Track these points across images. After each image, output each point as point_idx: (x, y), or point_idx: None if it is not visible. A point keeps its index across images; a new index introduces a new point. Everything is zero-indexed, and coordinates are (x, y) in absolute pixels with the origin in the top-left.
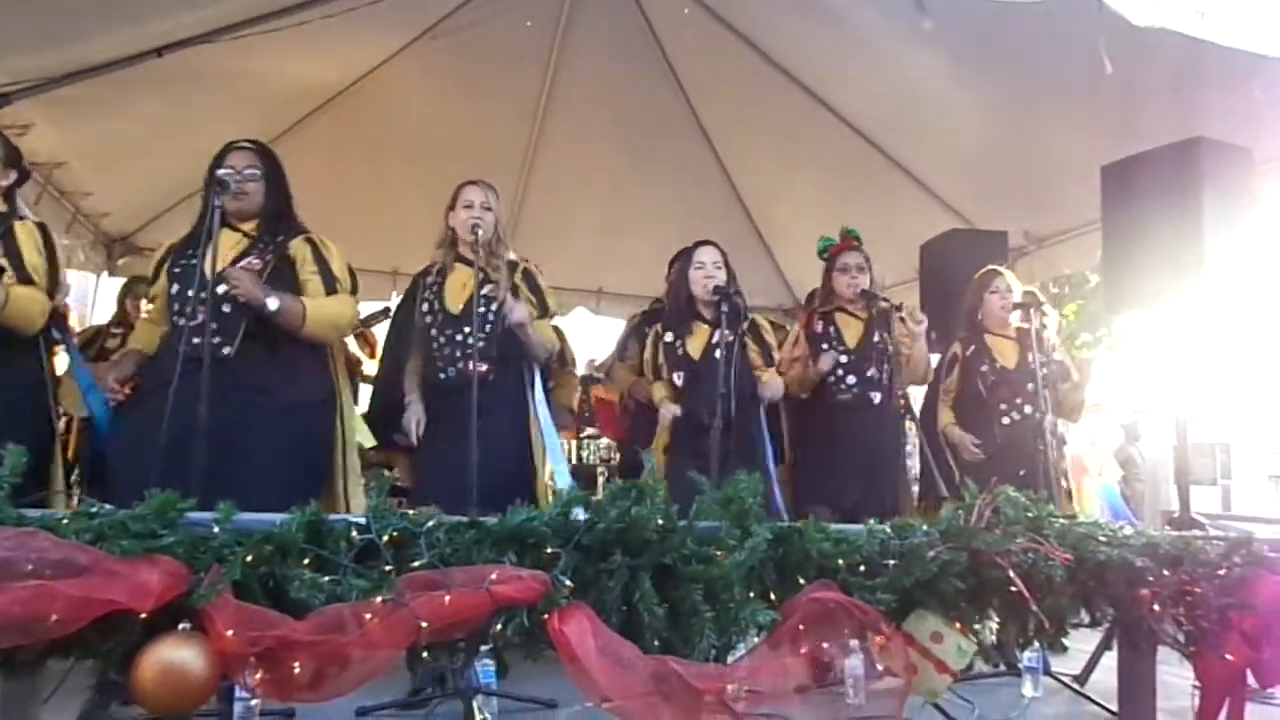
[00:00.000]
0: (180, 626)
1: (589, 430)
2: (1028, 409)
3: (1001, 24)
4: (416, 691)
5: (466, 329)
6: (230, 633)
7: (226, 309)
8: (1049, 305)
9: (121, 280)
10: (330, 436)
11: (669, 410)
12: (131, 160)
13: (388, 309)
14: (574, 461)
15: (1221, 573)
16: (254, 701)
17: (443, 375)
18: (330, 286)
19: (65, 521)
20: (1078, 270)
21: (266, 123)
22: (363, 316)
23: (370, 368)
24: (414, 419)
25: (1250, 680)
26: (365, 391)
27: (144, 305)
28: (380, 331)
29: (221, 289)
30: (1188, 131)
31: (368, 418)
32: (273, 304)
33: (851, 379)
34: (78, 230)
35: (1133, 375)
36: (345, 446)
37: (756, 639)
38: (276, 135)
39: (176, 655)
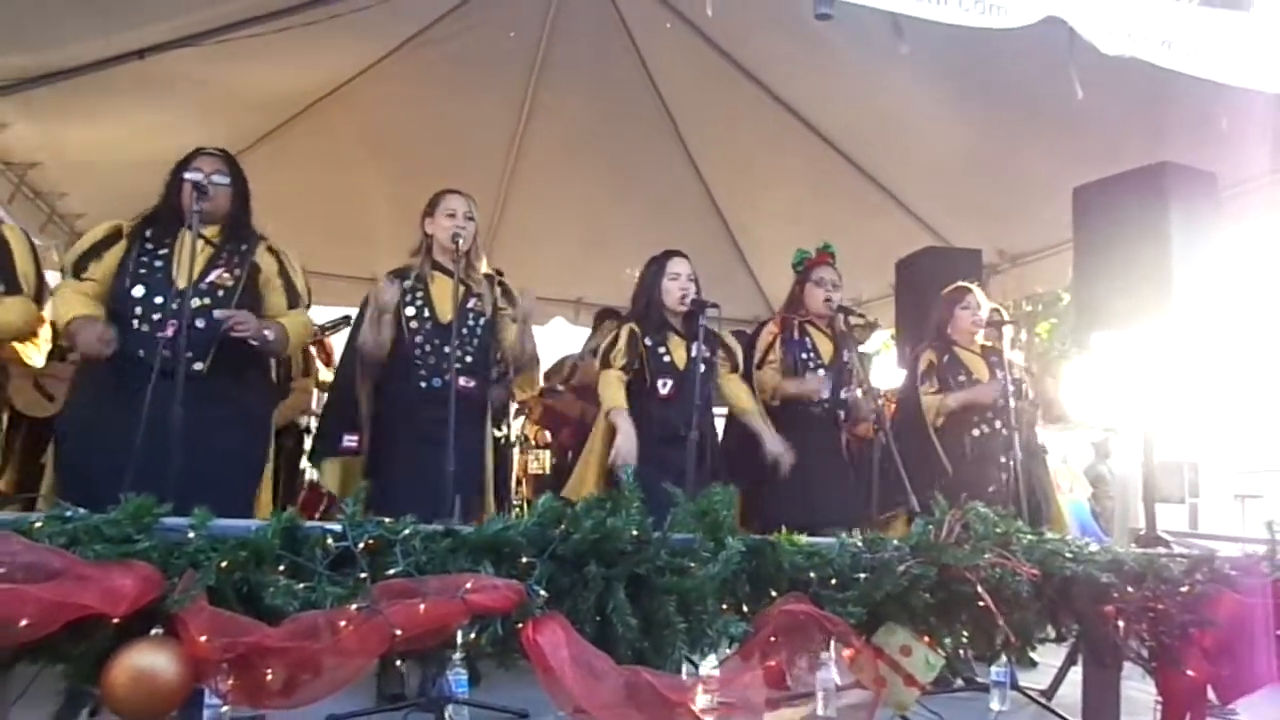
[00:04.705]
0: (153, 632)
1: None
2: (997, 424)
3: (977, 48)
4: (396, 696)
5: (456, 340)
6: (203, 638)
7: (200, 324)
8: (1010, 319)
9: None
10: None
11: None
12: (108, 163)
13: (348, 317)
14: (543, 471)
15: (1184, 589)
16: (224, 708)
17: (424, 384)
18: (293, 301)
19: (38, 525)
20: (1050, 288)
21: (246, 128)
22: (322, 324)
23: (326, 375)
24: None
25: (1211, 696)
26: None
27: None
28: (335, 340)
29: (195, 303)
30: (1157, 156)
31: (321, 420)
32: (270, 335)
33: (826, 393)
34: (52, 231)
35: (1104, 393)
36: None
37: (729, 650)
38: (256, 140)
39: (148, 661)
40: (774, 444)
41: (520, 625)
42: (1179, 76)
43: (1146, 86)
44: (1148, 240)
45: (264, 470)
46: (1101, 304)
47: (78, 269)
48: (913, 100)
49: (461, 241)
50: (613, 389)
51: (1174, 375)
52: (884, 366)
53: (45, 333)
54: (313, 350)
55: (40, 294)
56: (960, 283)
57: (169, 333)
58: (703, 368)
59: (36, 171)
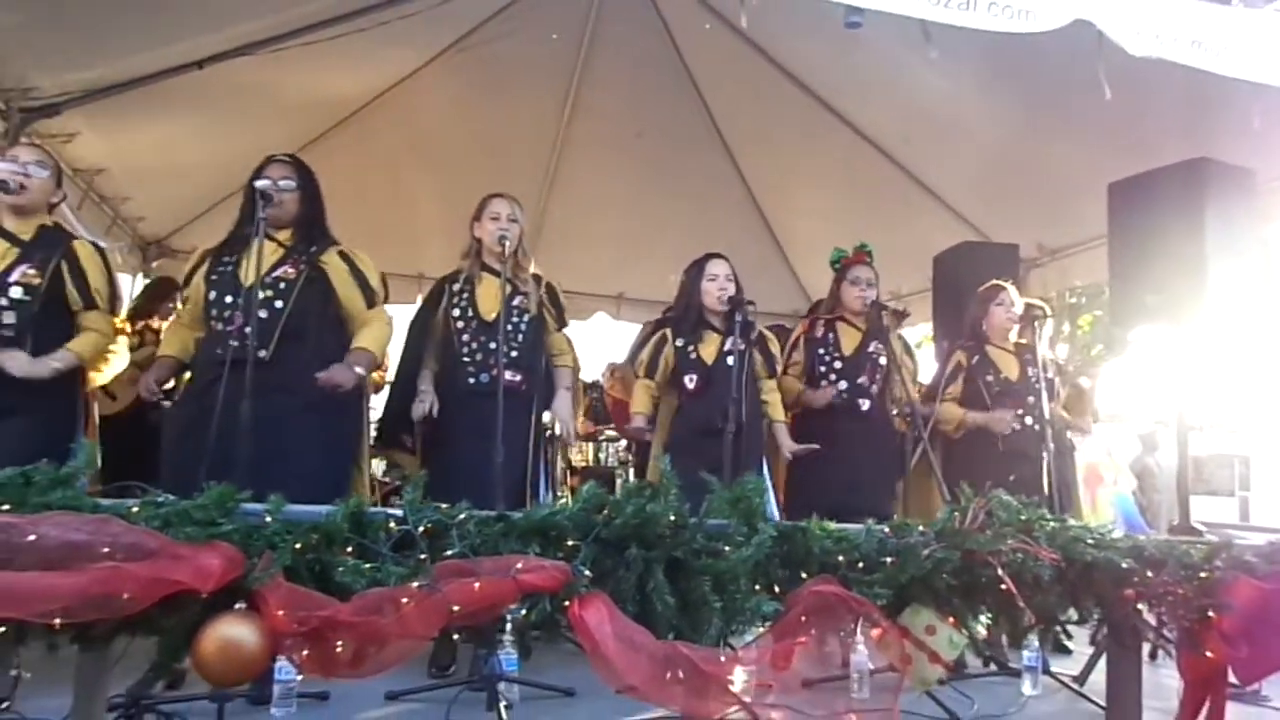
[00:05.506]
0: (236, 606)
1: (608, 431)
2: (1028, 420)
3: (1014, 46)
4: (445, 667)
5: (500, 337)
6: (281, 612)
7: (263, 314)
8: (1049, 313)
9: None
10: (360, 428)
11: (639, 424)
12: (168, 167)
13: None
14: (592, 462)
15: (1202, 575)
16: (296, 678)
17: (472, 380)
18: (370, 300)
19: (135, 510)
20: (1090, 282)
21: (297, 132)
22: None
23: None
24: (427, 404)
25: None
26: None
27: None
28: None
29: (259, 296)
30: (1194, 151)
31: (382, 417)
32: (361, 370)
33: (843, 384)
34: (116, 234)
35: (1150, 386)
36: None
37: (761, 628)
38: (306, 143)
39: (233, 631)
40: (791, 447)
41: (567, 603)
42: (1212, 75)
43: (1185, 82)
44: (1183, 236)
45: (352, 453)
46: (1137, 299)
47: (183, 297)
48: (950, 97)
49: (507, 243)
50: (637, 397)
51: (1215, 369)
52: (923, 361)
53: (121, 344)
54: None
55: (114, 305)
56: (995, 280)
57: (235, 326)
58: (731, 361)
59: (102, 178)
